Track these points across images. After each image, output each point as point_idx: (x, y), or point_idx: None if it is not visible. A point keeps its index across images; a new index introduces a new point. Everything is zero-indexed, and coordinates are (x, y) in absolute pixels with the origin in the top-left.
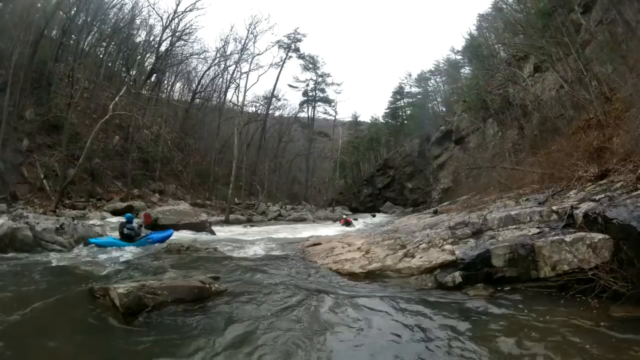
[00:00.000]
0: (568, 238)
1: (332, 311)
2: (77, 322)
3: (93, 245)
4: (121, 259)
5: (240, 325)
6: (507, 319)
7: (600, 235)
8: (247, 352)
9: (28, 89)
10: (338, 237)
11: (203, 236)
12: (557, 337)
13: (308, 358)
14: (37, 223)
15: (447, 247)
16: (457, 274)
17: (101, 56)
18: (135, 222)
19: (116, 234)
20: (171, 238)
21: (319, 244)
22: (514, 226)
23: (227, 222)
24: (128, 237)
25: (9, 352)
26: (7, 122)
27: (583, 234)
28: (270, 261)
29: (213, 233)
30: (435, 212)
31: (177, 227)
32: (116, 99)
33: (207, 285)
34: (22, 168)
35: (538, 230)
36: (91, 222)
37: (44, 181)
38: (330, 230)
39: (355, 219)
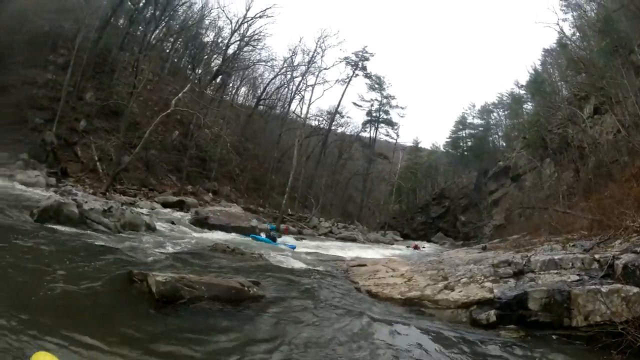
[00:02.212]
0: (604, 289)
1: (365, 332)
2: (111, 302)
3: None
4: (164, 250)
5: (271, 332)
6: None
7: (636, 289)
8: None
9: (90, 72)
10: (384, 261)
11: (250, 241)
12: None
13: None
14: (85, 202)
15: (487, 284)
16: (492, 312)
17: (167, 51)
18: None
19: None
20: (218, 238)
21: (364, 265)
22: (555, 271)
23: (277, 231)
24: (272, 238)
25: (41, 320)
26: (65, 101)
27: (619, 286)
28: (312, 276)
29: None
30: (484, 249)
31: (226, 228)
32: (180, 94)
33: (246, 288)
34: (76, 147)
35: (578, 277)
36: (141, 210)
37: (98, 163)
38: (377, 253)
39: (424, 247)
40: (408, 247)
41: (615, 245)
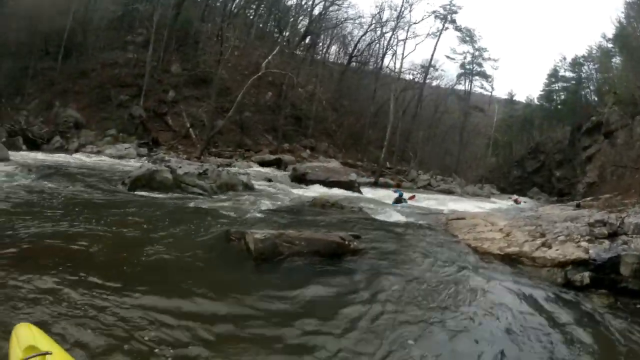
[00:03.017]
0: None
1: (464, 284)
2: (208, 262)
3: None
4: (262, 208)
5: (372, 288)
6: (620, 333)
7: None
8: (372, 314)
9: (173, 46)
10: (482, 214)
11: (350, 194)
12: None
13: (432, 332)
14: (179, 167)
15: (583, 244)
16: (586, 274)
17: (251, 17)
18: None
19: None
20: (319, 193)
21: (463, 218)
22: None
23: (376, 184)
24: (399, 201)
25: (147, 278)
26: (150, 75)
27: None
28: (412, 229)
29: (360, 193)
30: (578, 206)
31: (325, 183)
32: (270, 57)
33: (346, 242)
34: (166, 117)
35: None
36: (238, 170)
37: (190, 129)
38: (475, 207)
39: (524, 201)
40: (509, 198)
41: None
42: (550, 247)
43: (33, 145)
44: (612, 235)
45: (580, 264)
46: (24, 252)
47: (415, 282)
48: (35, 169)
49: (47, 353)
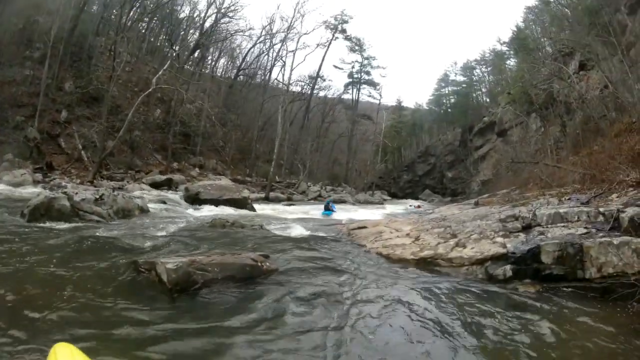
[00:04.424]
0: (615, 241)
1: (385, 293)
2: (120, 297)
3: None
4: (162, 233)
5: (295, 307)
6: (552, 316)
7: None
8: (301, 337)
9: (67, 61)
10: (384, 221)
11: (244, 212)
12: (597, 339)
13: (362, 344)
14: (76, 193)
15: (498, 239)
16: (508, 267)
17: (143, 31)
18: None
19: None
20: (214, 214)
21: (365, 227)
22: (562, 224)
23: (267, 199)
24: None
25: (49, 319)
26: (44, 94)
27: (629, 238)
28: (317, 242)
29: (254, 210)
30: (477, 204)
31: (218, 202)
32: (160, 72)
33: (259, 264)
34: (59, 139)
35: (585, 230)
36: (131, 193)
37: (82, 152)
38: (369, 213)
39: (419, 206)
40: (410, 206)
41: (613, 198)
42: (464, 246)
43: None
44: (527, 228)
45: (499, 258)
46: None
47: (336, 298)
48: None
49: None
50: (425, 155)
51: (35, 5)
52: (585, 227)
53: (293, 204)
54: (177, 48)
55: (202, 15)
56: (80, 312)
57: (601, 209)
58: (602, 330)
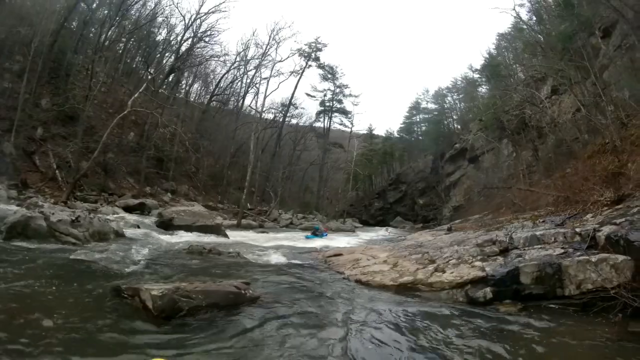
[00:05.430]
0: (593, 258)
1: (367, 320)
2: (105, 325)
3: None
4: (140, 258)
5: (279, 335)
6: (535, 334)
7: (622, 257)
8: None
9: (45, 77)
10: (359, 249)
11: (217, 239)
12: (581, 350)
13: None
14: (52, 213)
15: (477, 263)
16: (487, 289)
17: (120, 52)
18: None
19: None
20: (189, 240)
21: (341, 254)
22: (538, 246)
23: (239, 226)
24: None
25: (29, 350)
26: (22, 109)
27: (606, 255)
28: (296, 269)
29: (227, 236)
30: (450, 230)
31: (191, 228)
32: (136, 94)
33: (242, 291)
34: (34, 156)
35: (562, 250)
36: (105, 216)
37: (57, 171)
38: (344, 241)
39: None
40: (387, 229)
41: (588, 219)
42: (444, 271)
43: None
44: (504, 251)
45: (479, 281)
46: None
47: (319, 325)
48: None
49: None
50: (396, 183)
51: (19, 16)
52: (562, 247)
53: (265, 232)
54: (152, 71)
55: (179, 38)
56: (65, 337)
57: (577, 229)
58: (585, 340)
